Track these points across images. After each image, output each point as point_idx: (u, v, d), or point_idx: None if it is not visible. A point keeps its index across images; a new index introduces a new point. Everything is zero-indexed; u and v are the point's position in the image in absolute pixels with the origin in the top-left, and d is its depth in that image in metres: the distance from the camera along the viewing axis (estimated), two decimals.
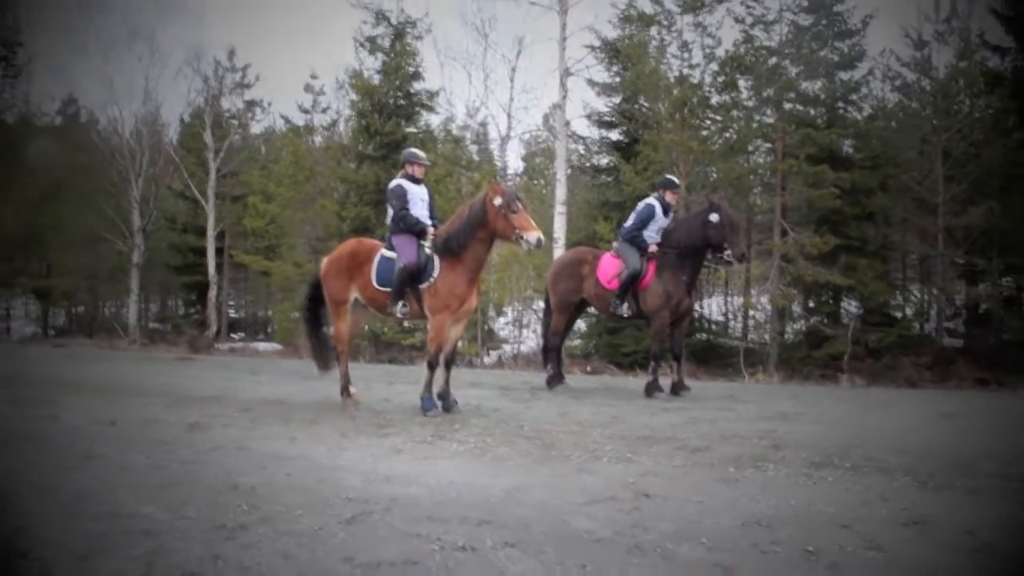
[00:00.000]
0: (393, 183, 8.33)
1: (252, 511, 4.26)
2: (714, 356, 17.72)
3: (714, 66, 18.12)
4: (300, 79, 40.46)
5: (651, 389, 9.41)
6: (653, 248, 9.45)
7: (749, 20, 17.46)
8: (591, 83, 20.70)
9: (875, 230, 18.19)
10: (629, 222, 9.78)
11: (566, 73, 18.90)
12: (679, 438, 6.42)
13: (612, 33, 20.15)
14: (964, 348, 16.27)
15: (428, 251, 7.88)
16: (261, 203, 22.21)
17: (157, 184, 28.03)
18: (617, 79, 20.35)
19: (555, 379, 10.22)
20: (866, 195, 17.15)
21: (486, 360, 18.41)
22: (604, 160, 21.39)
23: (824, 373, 15.22)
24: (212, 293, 25.66)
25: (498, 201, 7.52)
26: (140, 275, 26.89)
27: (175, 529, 3.95)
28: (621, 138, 20.68)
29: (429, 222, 8.17)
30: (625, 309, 9.50)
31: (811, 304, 18.68)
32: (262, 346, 22.95)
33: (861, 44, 17.86)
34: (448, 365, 8.11)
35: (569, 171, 20.15)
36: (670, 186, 9.86)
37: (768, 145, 18.01)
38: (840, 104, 18.21)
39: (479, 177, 19.23)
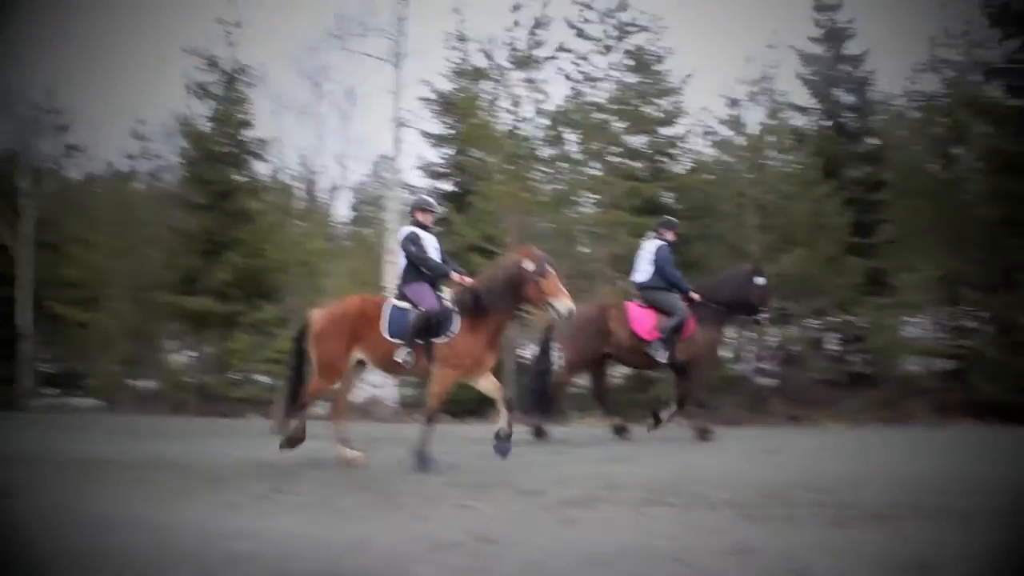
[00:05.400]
0: (407, 230, 8.06)
1: None
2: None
3: (543, 120, 18.72)
4: (125, 123, 38.80)
5: (705, 434, 9.78)
6: (695, 296, 9.75)
7: (578, 77, 18.14)
8: (424, 134, 20.95)
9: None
10: (650, 269, 9.85)
11: (399, 124, 19.08)
12: (514, 483, 6.54)
13: (446, 86, 20.51)
14: (778, 387, 17.24)
15: (447, 303, 7.66)
16: (81, 251, 21.07)
17: None
18: (451, 131, 20.66)
19: (541, 432, 9.89)
20: (686, 244, 18.01)
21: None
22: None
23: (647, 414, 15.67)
24: (24, 346, 24.01)
25: (530, 266, 7.34)
26: None
27: None
28: (454, 189, 20.94)
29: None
30: (665, 356, 9.63)
31: None
32: (81, 402, 21.66)
33: (680, 103, 18.86)
34: (510, 407, 7.97)
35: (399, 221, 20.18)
36: (672, 226, 10.22)
37: (596, 196, 18.62)
38: (662, 158, 19.10)
39: (310, 226, 18.97)
